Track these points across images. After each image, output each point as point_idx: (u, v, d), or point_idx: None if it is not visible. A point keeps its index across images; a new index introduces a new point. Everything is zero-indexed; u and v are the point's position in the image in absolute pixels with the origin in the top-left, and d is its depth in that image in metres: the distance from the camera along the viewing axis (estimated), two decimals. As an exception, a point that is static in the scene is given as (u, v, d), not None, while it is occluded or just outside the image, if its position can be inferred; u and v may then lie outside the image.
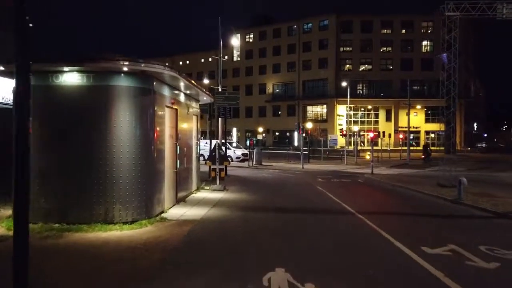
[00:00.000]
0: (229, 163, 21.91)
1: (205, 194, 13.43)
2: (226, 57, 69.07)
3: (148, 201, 8.67)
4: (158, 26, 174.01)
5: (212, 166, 15.08)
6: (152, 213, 8.81)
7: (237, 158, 33.08)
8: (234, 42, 33.93)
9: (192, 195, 12.87)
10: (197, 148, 13.77)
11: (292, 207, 11.63)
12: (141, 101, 8.62)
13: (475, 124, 70.13)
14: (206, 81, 46.30)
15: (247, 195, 13.62)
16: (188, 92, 11.91)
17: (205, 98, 13.55)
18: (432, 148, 63.23)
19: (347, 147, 37.18)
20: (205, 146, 33.80)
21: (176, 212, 9.81)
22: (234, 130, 43.83)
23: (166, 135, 9.91)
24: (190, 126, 12.68)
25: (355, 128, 47.79)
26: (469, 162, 37.43)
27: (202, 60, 66.02)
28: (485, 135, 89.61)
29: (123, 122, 8.33)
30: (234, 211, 10.41)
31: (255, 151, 31.63)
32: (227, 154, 34.37)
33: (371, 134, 24.11)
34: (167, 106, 9.94)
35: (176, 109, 10.82)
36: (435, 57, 56.54)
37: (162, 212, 9.50)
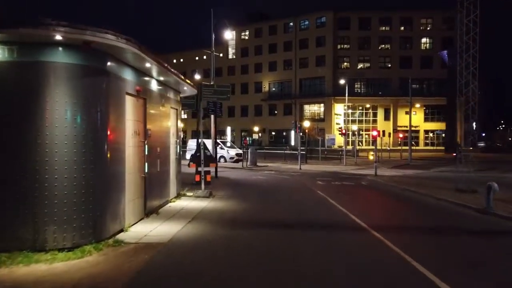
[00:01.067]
0: (216, 165, 19.62)
1: (186, 202, 11.15)
2: (221, 54, 66.67)
3: (97, 218, 6.38)
4: (152, 24, 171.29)
5: (197, 169, 12.83)
6: (103, 234, 6.52)
7: (230, 158, 30.83)
8: (227, 36, 31.64)
9: (170, 204, 10.60)
10: (177, 148, 11.50)
11: (290, 220, 9.33)
12: (88, 84, 6.33)
13: (474, 123, 68.01)
14: (197, 76, 43.79)
15: (236, 204, 11.36)
16: (162, 79, 9.62)
17: (185, 88, 11.27)
18: (431, 148, 61.47)
19: (346, 147, 35.01)
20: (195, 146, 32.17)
21: (140, 230, 7.53)
22: (228, 129, 41.54)
23: (128, 132, 7.62)
24: (166, 121, 10.40)
25: (354, 127, 45.66)
26: (474, 162, 35.34)
27: (197, 58, 63.65)
28: (483, 134, 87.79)
29: (60, 113, 6.03)
30: (216, 227, 8.13)
31: (249, 151, 29.39)
32: (220, 154, 31.99)
33: (374, 133, 21.94)
34: (129, 94, 7.65)
35: (144, 99, 8.53)
36: (436, 54, 54.52)
37: (122, 230, 7.23)
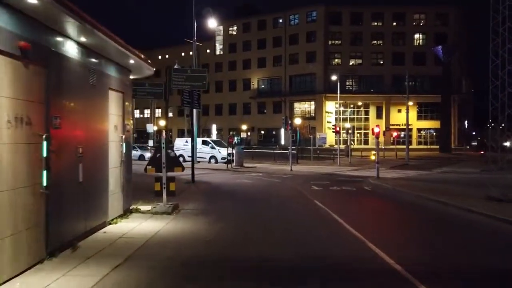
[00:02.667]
0: (193, 168, 16.26)
1: (134, 223, 7.75)
2: (208, 50, 63.28)
3: None
4: (138, 19, 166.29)
5: (157, 175, 9.43)
6: None
7: (222, 159, 27.21)
8: (212, 24, 28.23)
9: (107, 228, 7.19)
10: (123, 146, 8.10)
11: (287, 264, 5.70)
12: None
13: (466, 122, 65.84)
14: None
15: (205, 226, 7.99)
16: (87, 41, 6.18)
17: (133, 62, 7.82)
18: (424, 146, 58.77)
19: (339, 146, 31.89)
20: (185, 145, 28.15)
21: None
22: (214, 127, 38.16)
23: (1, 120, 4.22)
24: (101, 108, 7.01)
25: (347, 125, 42.69)
26: (476, 162, 32.53)
27: (183, 54, 59.90)
28: (474, 133, 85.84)
29: None
30: (156, 284, 4.75)
31: (235, 150, 26.03)
32: (211, 154, 27.98)
33: (376, 129, 18.77)
34: (3, 53, 4.25)
35: (44, 66, 5.11)
36: (430, 51, 51.80)
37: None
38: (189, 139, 26.92)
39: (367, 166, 28.87)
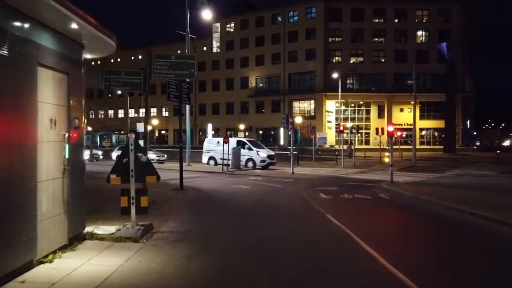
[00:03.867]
0: (181, 173, 13.85)
1: (80, 259, 5.29)
2: (204, 47, 60.71)
3: None
4: (136, 16, 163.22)
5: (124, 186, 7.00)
6: None
7: (261, 161, 23.78)
8: (206, 15, 25.78)
9: (34, 270, 4.74)
10: (65, 149, 5.62)
11: None
12: None
13: (468, 122, 63.62)
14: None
15: (184, 261, 5.50)
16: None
17: (75, 26, 5.33)
18: (427, 147, 56.45)
19: (343, 146, 29.52)
20: (217, 146, 24.54)
21: None
22: (209, 126, 35.72)
23: None
24: (19, 93, 4.55)
25: (348, 124, 40.32)
26: (488, 163, 30.24)
27: (179, 51, 57.39)
28: (474, 133, 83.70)
29: None
30: None
31: (231, 151, 23.61)
32: (248, 157, 23.58)
33: (389, 128, 16.34)
34: None
35: None
36: (433, 48, 49.52)
37: None
38: (221, 139, 23.71)
39: (373, 168, 26.51)
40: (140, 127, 28.67)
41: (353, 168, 26.35)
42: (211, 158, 25.65)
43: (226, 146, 22.16)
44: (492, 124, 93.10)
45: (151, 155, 27.31)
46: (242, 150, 24.14)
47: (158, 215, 8.79)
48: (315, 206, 10.79)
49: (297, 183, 17.07)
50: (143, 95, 10.89)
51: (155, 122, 57.25)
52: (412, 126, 55.70)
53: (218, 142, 25.10)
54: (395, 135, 45.54)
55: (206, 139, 29.01)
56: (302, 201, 11.90)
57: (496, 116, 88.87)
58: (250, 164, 23.96)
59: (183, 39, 26.68)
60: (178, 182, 14.06)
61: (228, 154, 22.56)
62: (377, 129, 40.42)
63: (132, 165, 6.82)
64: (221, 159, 22.83)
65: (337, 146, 51.98)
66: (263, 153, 24.22)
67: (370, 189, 15.27)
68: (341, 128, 28.05)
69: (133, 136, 7.08)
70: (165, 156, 29.29)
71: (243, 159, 24.05)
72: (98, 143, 42.33)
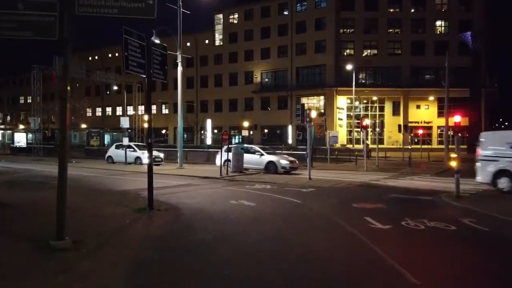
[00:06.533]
0: (150, 183, 8.75)
1: None
2: (206, 40, 55.60)
3: None
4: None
5: None
6: None
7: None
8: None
9: None
10: None
11: None
12: None
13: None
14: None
15: None
16: None
17: None
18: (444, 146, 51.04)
19: (365, 145, 24.27)
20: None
21: None
22: (208, 122, 30.61)
23: None
24: None
25: (367, 121, 35.03)
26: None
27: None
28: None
29: None
30: None
31: (232, 151, 18.55)
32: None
33: (456, 118, 11.19)
34: None
35: None
36: (454, 37, 44.13)
37: None
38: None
39: (403, 171, 21.33)
40: (124, 122, 23.73)
41: (379, 171, 21.20)
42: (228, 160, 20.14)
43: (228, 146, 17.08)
44: (502, 121, 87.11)
45: (142, 155, 22.18)
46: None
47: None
48: (381, 255, 5.64)
49: (321, 195, 11.95)
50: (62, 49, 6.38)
51: (154, 119, 52.14)
52: (429, 124, 50.80)
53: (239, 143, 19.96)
54: (418, 133, 40.45)
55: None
56: (344, 234, 6.80)
57: (505, 112, 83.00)
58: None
59: (183, 33, 21.56)
60: (156, 193, 9.13)
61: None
62: (399, 126, 35.27)
63: None
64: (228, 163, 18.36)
65: (350, 146, 46.86)
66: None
67: (434, 207, 10.12)
68: (363, 123, 22.83)
69: None
70: (162, 156, 24.10)
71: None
72: (86, 142, 37.42)
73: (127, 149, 22.86)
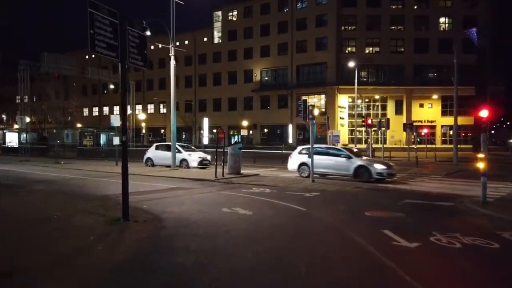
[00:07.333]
0: (126, 187, 7.27)
1: None
2: (205, 38, 54.01)
3: None
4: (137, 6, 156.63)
5: None
6: None
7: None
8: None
9: None
10: None
11: None
12: None
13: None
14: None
15: None
16: None
17: None
18: (451, 146, 49.53)
19: (371, 145, 22.78)
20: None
21: None
22: (205, 121, 29.13)
23: None
24: None
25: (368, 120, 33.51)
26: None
27: (177, 43, 50.84)
28: (492, 131, 75.98)
29: None
30: None
31: (229, 151, 17.04)
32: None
33: (484, 113, 9.71)
34: None
35: None
36: (459, 35, 42.52)
37: None
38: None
39: (411, 172, 19.86)
40: (115, 120, 22.23)
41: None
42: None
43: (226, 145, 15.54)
44: (508, 123, 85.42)
45: (189, 157, 20.11)
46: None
47: None
48: (409, 283, 4.13)
49: (327, 201, 10.46)
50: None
51: (152, 119, 50.76)
52: (432, 123, 49.26)
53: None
54: (422, 133, 38.91)
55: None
56: (372, 266, 5.25)
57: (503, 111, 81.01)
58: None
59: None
60: (141, 198, 7.64)
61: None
62: (404, 124, 33.71)
63: None
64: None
65: (352, 145, 45.33)
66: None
67: (460, 216, 8.64)
68: (369, 121, 21.30)
69: None
70: (209, 158, 21.14)
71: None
72: (78, 141, 35.87)
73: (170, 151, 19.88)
